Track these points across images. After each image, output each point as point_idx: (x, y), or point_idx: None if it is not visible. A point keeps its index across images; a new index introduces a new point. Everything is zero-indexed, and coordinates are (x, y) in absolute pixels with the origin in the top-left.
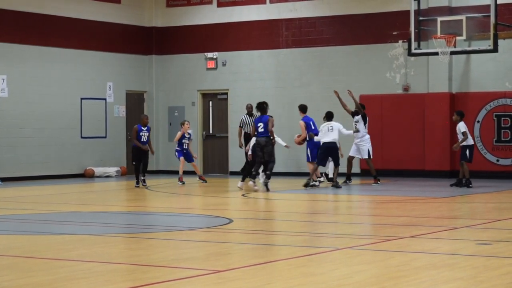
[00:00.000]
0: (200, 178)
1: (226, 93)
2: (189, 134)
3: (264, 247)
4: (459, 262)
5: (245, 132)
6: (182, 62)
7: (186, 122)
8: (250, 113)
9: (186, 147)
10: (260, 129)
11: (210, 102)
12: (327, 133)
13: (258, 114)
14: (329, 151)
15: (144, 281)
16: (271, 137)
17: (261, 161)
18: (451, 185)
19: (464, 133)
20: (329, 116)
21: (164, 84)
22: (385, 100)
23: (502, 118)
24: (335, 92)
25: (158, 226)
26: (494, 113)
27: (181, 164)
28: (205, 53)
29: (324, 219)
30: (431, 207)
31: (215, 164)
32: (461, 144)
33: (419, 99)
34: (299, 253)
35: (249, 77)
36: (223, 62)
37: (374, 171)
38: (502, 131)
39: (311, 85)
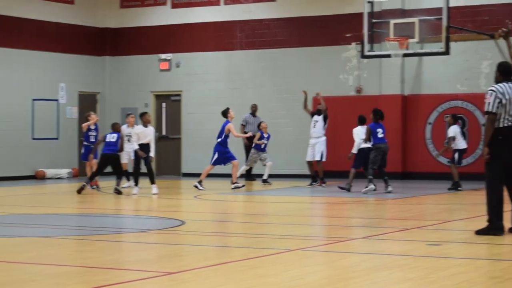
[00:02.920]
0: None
1: (180, 95)
2: (95, 126)
3: (216, 249)
4: (409, 262)
5: (245, 132)
6: (135, 63)
7: (92, 113)
8: (254, 113)
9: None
10: (380, 135)
11: (164, 104)
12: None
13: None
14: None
15: (95, 284)
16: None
17: (376, 168)
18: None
19: (450, 138)
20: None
21: (117, 85)
22: (338, 102)
23: None
24: (304, 91)
25: (110, 228)
26: (446, 115)
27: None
28: (159, 55)
29: (277, 220)
30: (383, 208)
31: (168, 166)
32: (454, 148)
33: (372, 101)
34: (252, 255)
35: (203, 78)
36: (177, 64)
37: (322, 173)
38: None
39: (265, 86)
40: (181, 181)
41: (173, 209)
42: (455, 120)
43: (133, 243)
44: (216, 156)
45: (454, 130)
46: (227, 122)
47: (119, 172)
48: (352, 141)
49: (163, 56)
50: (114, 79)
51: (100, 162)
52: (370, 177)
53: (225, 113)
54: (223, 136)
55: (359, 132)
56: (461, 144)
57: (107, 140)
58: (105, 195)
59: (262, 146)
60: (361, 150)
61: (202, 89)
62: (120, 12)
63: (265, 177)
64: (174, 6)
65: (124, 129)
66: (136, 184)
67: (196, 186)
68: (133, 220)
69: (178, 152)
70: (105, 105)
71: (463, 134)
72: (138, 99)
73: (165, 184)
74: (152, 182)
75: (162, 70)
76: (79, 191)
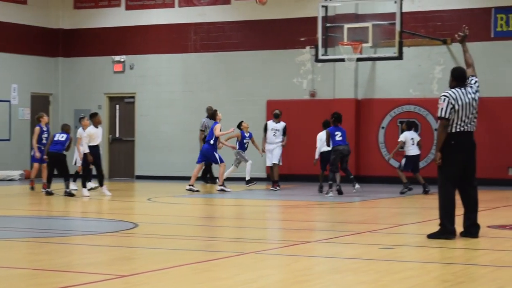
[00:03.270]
0: (43, 187)
1: (133, 97)
2: (46, 127)
3: (169, 252)
4: (362, 266)
5: (205, 136)
6: (89, 65)
7: (44, 114)
8: (210, 116)
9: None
10: (338, 138)
11: (117, 106)
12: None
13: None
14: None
15: (47, 286)
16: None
17: (336, 170)
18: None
19: (400, 142)
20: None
21: (71, 87)
22: (292, 105)
23: None
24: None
25: (62, 230)
26: (398, 120)
27: (43, 169)
28: (113, 56)
29: (230, 223)
30: (336, 212)
31: (121, 168)
32: (406, 153)
33: (326, 104)
34: (204, 258)
35: (157, 81)
36: (130, 66)
37: (278, 177)
38: None
39: (219, 89)
40: (135, 184)
41: (126, 212)
42: (409, 127)
43: (86, 245)
44: (217, 155)
45: (404, 135)
46: (216, 123)
47: (66, 174)
48: (308, 144)
49: (117, 58)
50: (67, 81)
51: (48, 162)
52: (331, 182)
53: (213, 115)
54: (214, 137)
55: (322, 137)
56: (411, 151)
57: (55, 139)
58: (57, 198)
59: (246, 145)
60: (322, 153)
61: (156, 92)
62: (73, 13)
63: (248, 177)
64: (128, 7)
65: (81, 132)
66: (85, 186)
67: (222, 190)
68: (85, 222)
69: (132, 154)
70: (58, 106)
71: (417, 140)
72: (91, 101)
73: (119, 186)
74: (101, 184)
75: (115, 72)
76: (50, 193)
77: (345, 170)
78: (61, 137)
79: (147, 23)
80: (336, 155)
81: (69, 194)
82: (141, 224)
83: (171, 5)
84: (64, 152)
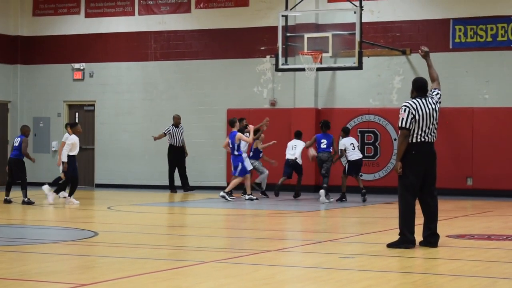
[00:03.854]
0: None
1: (93, 105)
2: None
3: (129, 260)
4: (322, 275)
5: (170, 144)
6: (48, 72)
7: None
8: (177, 124)
9: None
10: (323, 145)
11: (77, 114)
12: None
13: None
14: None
15: None
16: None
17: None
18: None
19: (340, 150)
20: (297, 135)
21: (29, 95)
22: (252, 114)
23: (366, 134)
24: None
25: (21, 239)
26: (358, 129)
27: None
28: (72, 64)
29: (191, 232)
30: (297, 221)
31: (80, 176)
32: (348, 159)
33: (286, 114)
34: (165, 267)
35: (117, 89)
36: (90, 73)
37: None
38: (366, 146)
39: (179, 98)
40: (94, 192)
41: (86, 220)
42: (346, 133)
43: (45, 254)
44: (241, 166)
45: (343, 143)
46: (235, 132)
47: (24, 182)
48: (268, 152)
49: (77, 65)
50: (26, 88)
51: (8, 168)
52: (325, 185)
53: (233, 123)
54: (237, 147)
55: (288, 146)
56: (352, 155)
57: (14, 144)
58: (16, 206)
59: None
60: (288, 160)
61: (116, 100)
62: (32, 20)
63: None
64: (88, 15)
65: (67, 137)
66: (58, 193)
67: (224, 197)
68: (45, 231)
69: (91, 162)
70: (16, 114)
71: (357, 145)
72: (50, 109)
73: (78, 194)
74: (71, 194)
75: (75, 80)
76: (8, 202)
77: (323, 176)
78: (16, 141)
79: (107, 31)
80: (317, 161)
81: (28, 202)
82: (101, 233)
83: (131, 13)
84: (23, 158)
